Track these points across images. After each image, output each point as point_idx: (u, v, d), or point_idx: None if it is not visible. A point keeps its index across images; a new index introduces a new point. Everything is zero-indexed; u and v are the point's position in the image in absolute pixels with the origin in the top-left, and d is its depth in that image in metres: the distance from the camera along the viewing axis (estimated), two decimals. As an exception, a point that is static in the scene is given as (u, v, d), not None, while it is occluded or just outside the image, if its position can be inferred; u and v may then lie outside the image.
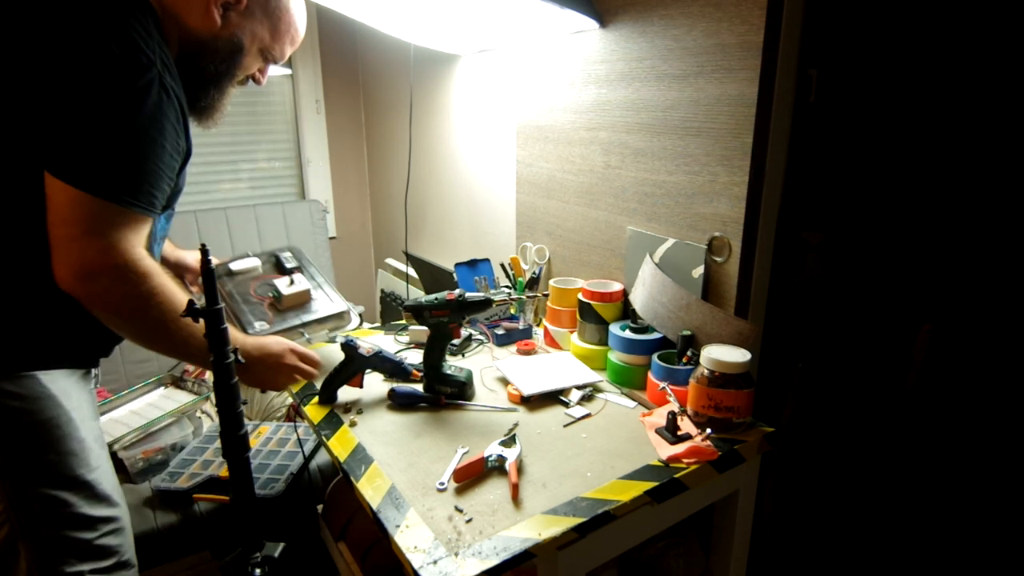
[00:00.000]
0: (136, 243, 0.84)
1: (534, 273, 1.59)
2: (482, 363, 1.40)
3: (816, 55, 1.18)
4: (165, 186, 0.87)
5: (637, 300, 1.31)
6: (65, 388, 0.93)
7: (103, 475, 0.98)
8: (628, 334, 1.26)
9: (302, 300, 1.21)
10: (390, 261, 2.50)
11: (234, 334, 1.03)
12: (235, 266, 1.25)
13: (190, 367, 2.00)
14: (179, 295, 0.90)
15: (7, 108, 0.81)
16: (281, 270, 1.17)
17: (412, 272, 2.13)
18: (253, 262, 1.28)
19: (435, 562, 0.79)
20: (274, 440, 1.59)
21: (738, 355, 1.06)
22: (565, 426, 1.12)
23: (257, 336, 1.14)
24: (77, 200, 0.78)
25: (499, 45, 1.72)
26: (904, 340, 1.42)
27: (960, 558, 1.48)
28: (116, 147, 0.79)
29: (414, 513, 0.89)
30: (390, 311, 2.41)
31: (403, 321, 1.70)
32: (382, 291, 2.49)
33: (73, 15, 0.77)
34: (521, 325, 1.53)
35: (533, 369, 1.30)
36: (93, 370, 1.03)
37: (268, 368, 1.08)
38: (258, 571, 0.88)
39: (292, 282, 1.17)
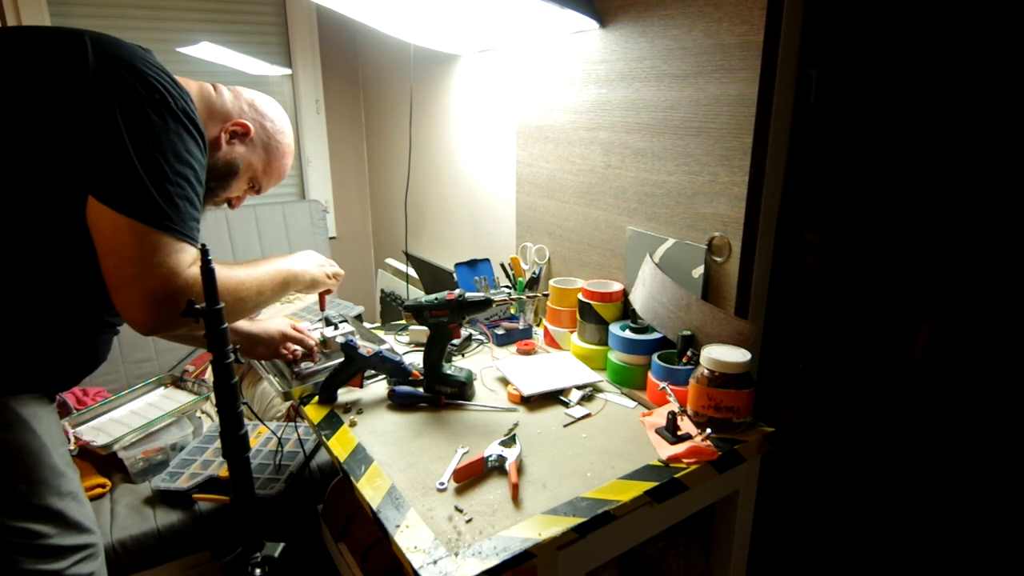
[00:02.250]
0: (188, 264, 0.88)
1: (534, 273, 1.59)
2: (482, 363, 1.40)
3: (816, 55, 1.18)
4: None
5: (637, 300, 1.31)
6: (35, 412, 0.91)
7: (73, 502, 0.95)
8: (628, 334, 1.26)
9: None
10: (390, 261, 2.50)
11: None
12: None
13: (190, 367, 2.01)
14: (226, 271, 0.94)
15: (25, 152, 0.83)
16: (328, 323, 1.37)
17: (412, 272, 2.13)
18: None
19: (435, 562, 0.79)
20: (274, 440, 1.59)
21: (738, 355, 1.06)
22: (565, 426, 1.12)
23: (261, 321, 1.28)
24: (143, 235, 0.82)
25: (499, 45, 1.72)
26: (904, 340, 1.42)
27: (959, 557, 1.48)
28: (186, 195, 0.87)
29: (414, 513, 0.89)
30: (390, 311, 2.41)
31: (403, 321, 1.70)
32: (382, 291, 2.49)
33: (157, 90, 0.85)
34: (521, 325, 1.53)
35: (533, 369, 1.30)
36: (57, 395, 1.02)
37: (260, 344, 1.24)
38: (258, 571, 0.88)
39: (336, 327, 1.34)
